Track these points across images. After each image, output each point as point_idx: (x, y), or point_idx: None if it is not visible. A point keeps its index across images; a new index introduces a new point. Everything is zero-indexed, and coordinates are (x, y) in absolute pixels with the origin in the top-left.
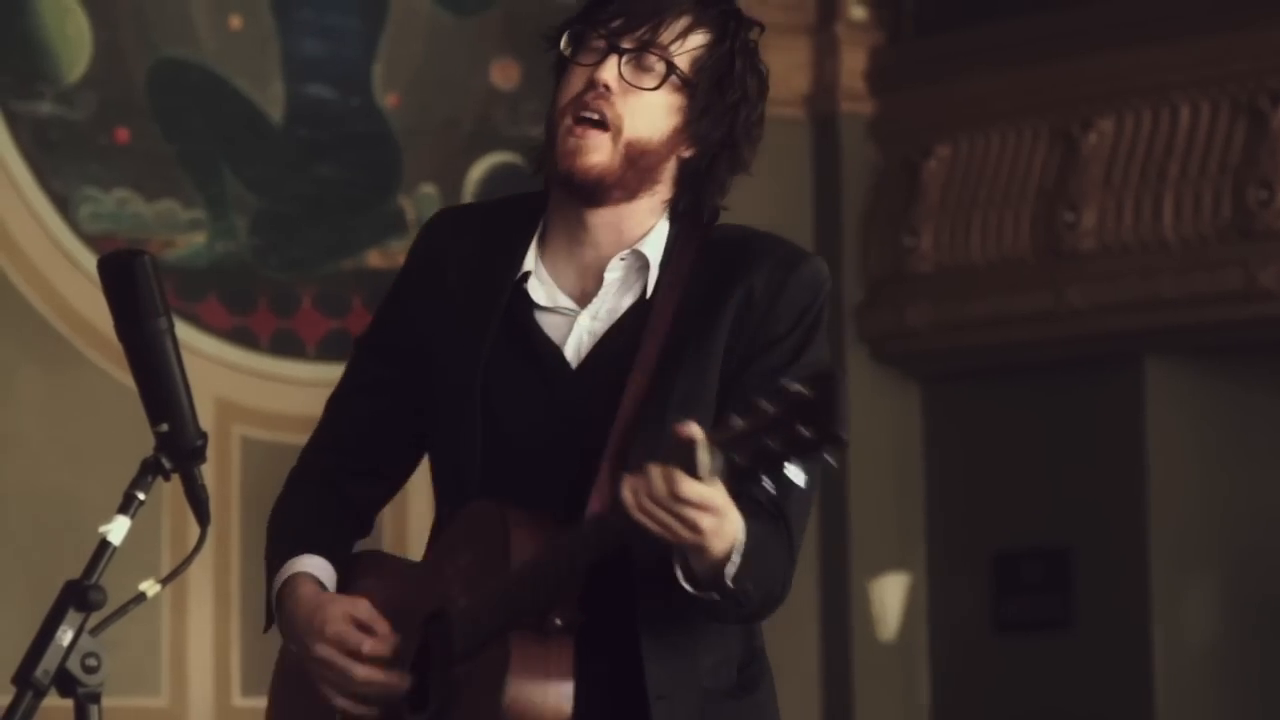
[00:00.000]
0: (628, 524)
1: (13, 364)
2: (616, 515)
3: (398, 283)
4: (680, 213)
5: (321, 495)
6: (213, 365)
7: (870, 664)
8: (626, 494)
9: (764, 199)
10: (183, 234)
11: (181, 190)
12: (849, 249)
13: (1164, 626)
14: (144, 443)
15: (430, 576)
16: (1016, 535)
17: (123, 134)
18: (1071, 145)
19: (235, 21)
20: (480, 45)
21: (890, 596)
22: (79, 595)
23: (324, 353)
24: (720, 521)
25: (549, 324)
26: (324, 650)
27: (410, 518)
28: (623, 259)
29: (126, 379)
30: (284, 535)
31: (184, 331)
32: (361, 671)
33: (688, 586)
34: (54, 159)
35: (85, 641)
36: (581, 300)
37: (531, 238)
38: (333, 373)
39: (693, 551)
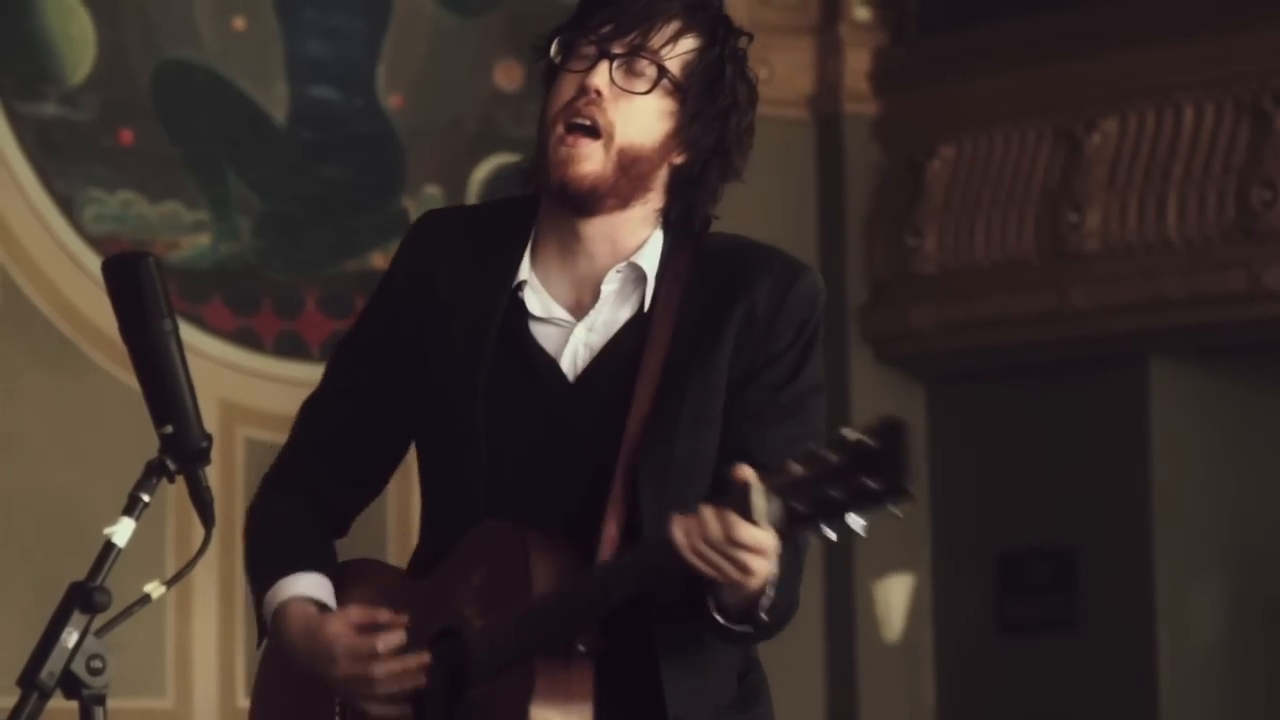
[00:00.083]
0: (676, 563)
1: (17, 366)
2: (664, 553)
3: (384, 287)
4: (672, 222)
5: (304, 503)
6: (217, 367)
7: (875, 665)
8: (679, 535)
9: (768, 200)
10: (187, 235)
11: (185, 192)
12: (853, 250)
13: (1169, 627)
14: (148, 444)
15: (438, 593)
16: (1021, 536)
17: (127, 135)
18: (1075, 146)
19: (239, 23)
20: (484, 46)
21: (895, 597)
22: (84, 597)
23: (328, 354)
24: (770, 564)
25: (543, 335)
26: (343, 670)
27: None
28: (619, 271)
29: (131, 381)
30: (271, 549)
31: (188, 333)
32: (382, 669)
33: (719, 618)
34: (58, 160)
35: (90, 643)
36: (576, 311)
37: (524, 245)
38: None
39: (730, 587)
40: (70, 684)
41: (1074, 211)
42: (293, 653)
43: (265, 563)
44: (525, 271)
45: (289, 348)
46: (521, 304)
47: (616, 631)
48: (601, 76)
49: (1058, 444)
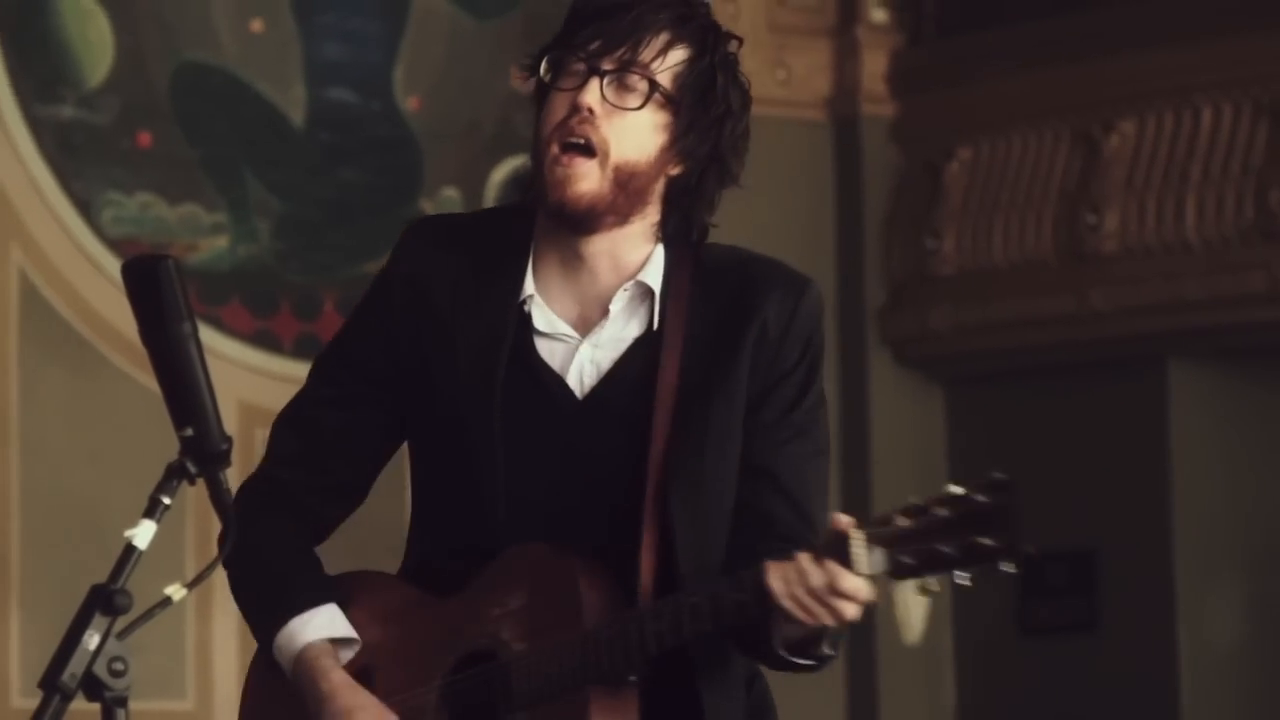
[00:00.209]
0: (762, 606)
1: (37, 368)
2: (749, 594)
3: (375, 296)
4: (671, 234)
5: (291, 520)
6: (235, 369)
7: (895, 667)
8: (776, 582)
9: (786, 202)
10: (205, 238)
11: (204, 194)
12: (871, 252)
13: (1189, 629)
14: (168, 447)
15: (466, 613)
16: (1040, 538)
17: (145, 138)
18: (1093, 147)
19: (256, 25)
20: (501, 48)
21: (915, 600)
22: (105, 600)
23: None
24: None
25: (547, 350)
26: None
27: None
28: (626, 290)
29: (150, 383)
30: (273, 572)
31: (206, 335)
32: None
33: (783, 653)
34: (76, 163)
35: (112, 645)
36: (579, 327)
37: (524, 259)
38: None
39: (800, 625)
40: (92, 686)
41: (1092, 213)
42: (319, 712)
43: (266, 601)
44: (530, 286)
45: (308, 350)
46: (528, 319)
47: (662, 656)
48: (593, 94)
49: (1077, 446)
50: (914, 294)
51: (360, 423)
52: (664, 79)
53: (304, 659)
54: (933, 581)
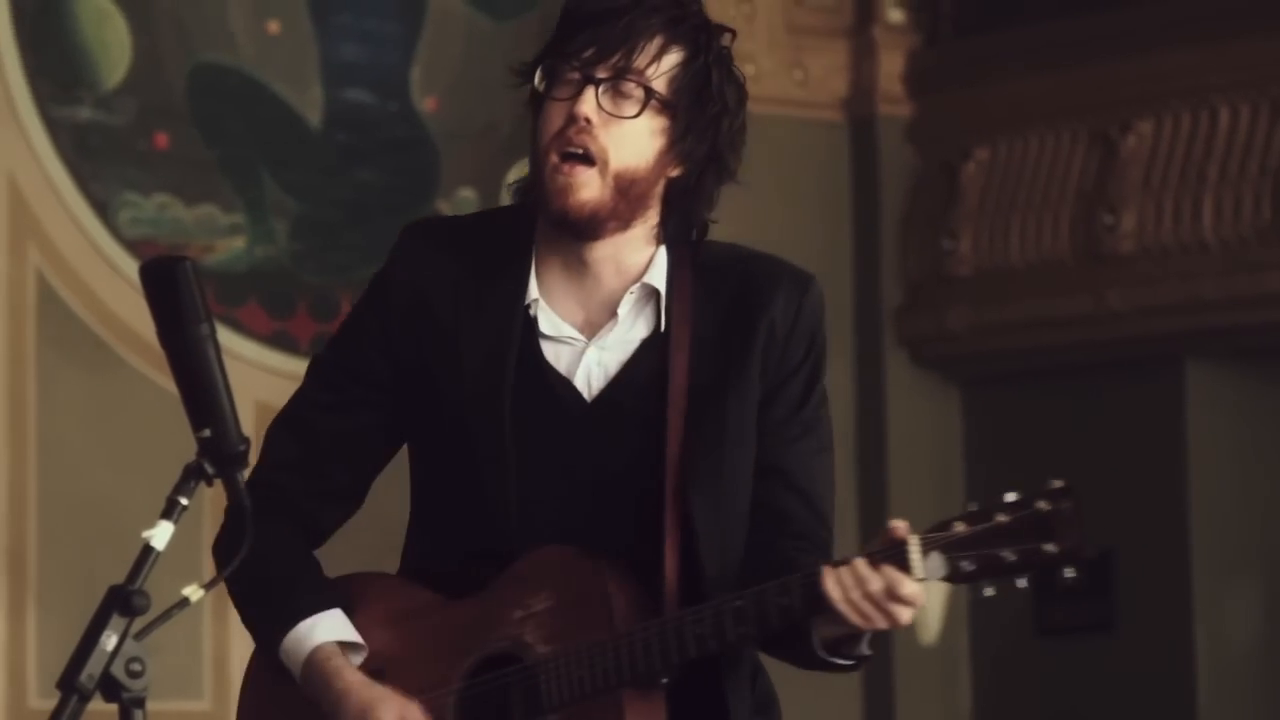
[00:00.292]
0: (812, 609)
1: (54, 369)
2: (798, 598)
3: (373, 299)
4: (671, 234)
5: (289, 526)
6: (253, 370)
7: (912, 668)
8: (832, 588)
9: (803, 202)
10: (222, 239)
11: (221, 195)
12: (888, 252)
13: (1205, 629)
14: (186, 448)
15: (485, 615)
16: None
17: (162, 139)
18: (1110, 147)
19: (273, 26)
20: (518, 49)
21: (932, 600)
22: (123, 600)
23: None
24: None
25: (553, 354)
26: None
27: None
28: (633, 293)
29: (168, 384)
30: (275, 577)
31: (224, 336)
32: None
33: (822, 653)
34: (94, 164)
35: (129, 646)
36: (584, 330)
37: (527, 263)
38: None
39: (838, 624)
40: (110, 687)
41: (1109, 213)
42: (334, 712)
43: (269, 606)
44: (534, 290)
45: None
46: (533, 322)
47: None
48: (589, 104)
49: (1094, 446)
50: (931, 294)
51: (358, 427)
52: (659, 84)
53: (314, 661)
54: (989, 588)
